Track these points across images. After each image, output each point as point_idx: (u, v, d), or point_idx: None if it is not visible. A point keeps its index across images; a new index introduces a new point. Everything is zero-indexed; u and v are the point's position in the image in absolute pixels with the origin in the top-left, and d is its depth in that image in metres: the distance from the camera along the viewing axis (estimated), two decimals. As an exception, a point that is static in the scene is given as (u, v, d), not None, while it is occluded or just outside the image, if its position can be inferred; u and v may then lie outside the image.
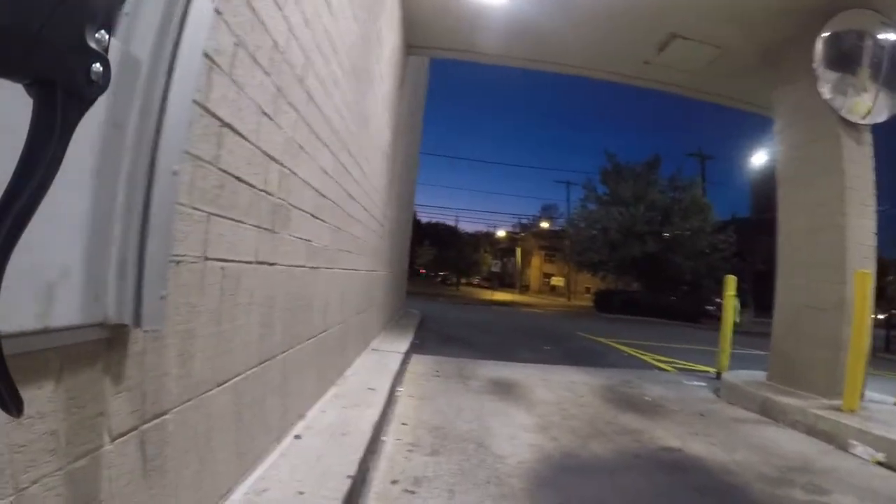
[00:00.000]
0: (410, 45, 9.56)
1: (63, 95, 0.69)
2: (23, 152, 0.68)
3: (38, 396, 1.25)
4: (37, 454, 1.25)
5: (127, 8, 1.49)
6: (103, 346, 1.48)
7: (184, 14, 1.56)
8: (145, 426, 1.71)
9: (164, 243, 1.61)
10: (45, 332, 1.24)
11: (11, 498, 1.18)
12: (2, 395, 0.71)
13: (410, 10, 8.29)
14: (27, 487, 1.22)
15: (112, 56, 1.32)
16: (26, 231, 1.12)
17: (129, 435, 1.62)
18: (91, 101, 0.74)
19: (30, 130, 0.67)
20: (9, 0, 0.60)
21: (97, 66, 0.72)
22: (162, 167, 1.51)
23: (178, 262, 1.78)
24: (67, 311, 1.30)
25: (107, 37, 0.73)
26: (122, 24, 1.47)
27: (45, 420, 1.27)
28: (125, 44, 1.44)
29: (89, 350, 1.43)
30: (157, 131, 1.49)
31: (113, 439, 1.55)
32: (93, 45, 0.71)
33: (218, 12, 1.84)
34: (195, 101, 1.75)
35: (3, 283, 1.09)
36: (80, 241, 1.33)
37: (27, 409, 1.19)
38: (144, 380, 1.69)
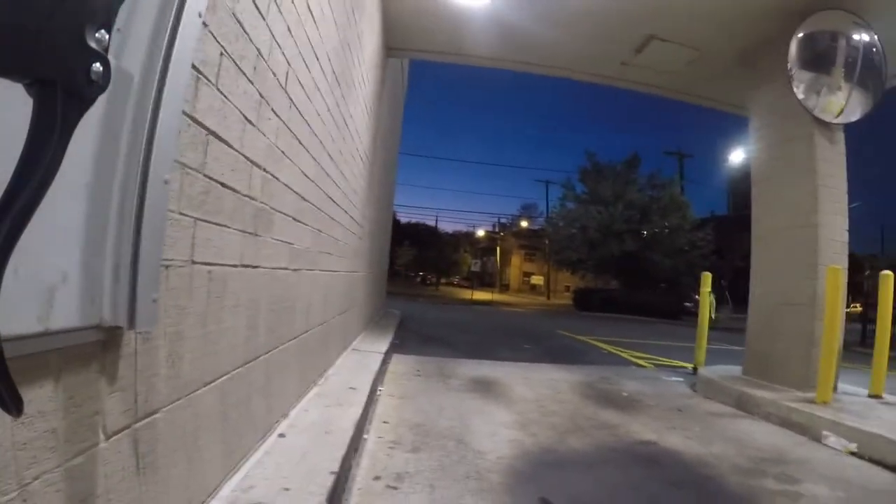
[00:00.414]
0: (390, 48, 9.60)
1: (63, 95, 0.69)
2: (23, 152, 0.68)
3: (39, 396, 1.30)
4: (38, 451, 1.30)
5: (118, 24, 1.56)
6: (99, 347, 1.54)
7: (174, 28, 1.63)
8: (137, 425, 1.77)
9: (156, 248, 1.68)
10: (46, 334, 1.29)
11: (15, 493, 1.23)
12: (2, 395, 0.71)
13: (390, 12, 8.34)
14: (29, 483, 1.27)
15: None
16: (28, 235, 1.18)
17: (122, 433, 1.68)
18: (91, 101, 0.75)
19: (30, 130, 0.68)
20: (9, 0, 0.61)
21: (97, 66, 0.73)
22: (154, 176, 1.58)
23: (167, 267, 1.83)
24: (66, 314, 1.36)
25: (107, 37, 0.74)
26: (113, 39, 1.55)
27: (45, 418, 1.33)
28: (117, 58, 1.51)
29: (86, 351, 1.49)
30: (150, 142, 1.56)
31: (108, 437, 1.60)
32: (93, 45, 0.72)
33: (204, 24, 1.90)
34: (183, 112, 1.82)
35: (7, 287, 1.15)
36: (77, 246, 1.39)
37: (29, 409, 1.26)
38: (136, 380, 1.75)
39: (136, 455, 1.77)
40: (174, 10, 1.64)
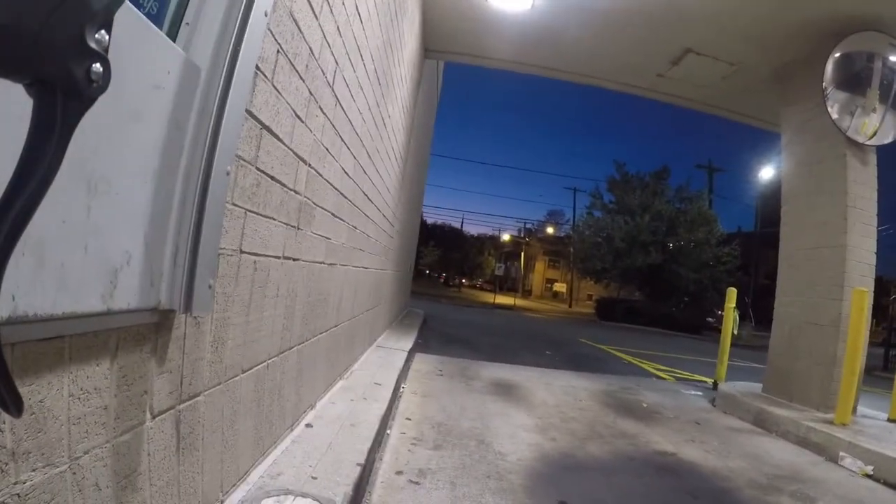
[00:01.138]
0: (428, 49, 9.65)
1: (63, 96, 0.68)
2: (23, 152, 0.67)
3: (96, 373, 1.36)
4: (90, 426, 1.36)
5: (187, 18, 1.63)
6: (153, 329, 1.60)
7: (242, 26, 1.69)
8: (181, 406, 1.83)
9: (215, 237, 1.74)
10: (109, 313, 1.35)
11: (66, 466, 1.28)
12: (2, 395, 0.68)
13: (430, 15, 8.40)
14: (80, 457, 1.33)
15: (174, 62, 1.47)
16: (99, 215, 1.25)
17: (167, 413, 1.74)
18: (91, 101, 0.72)
19: (30, 130, 0.66)
20: (9, 0, 0.60)
21: (97, 66, 0.70)
22: (217, 167, 1.64)
23: (218, 255, 1.90)
24: (128, 295, 1.41)
25: (107, 37, 0.71)
26: (181, 32, 1.61)
27: (100, 395, 1.38)
28: (186, 51, 1.57)
29: (141, 332, 1.55)
30: (215, 134, 1.62)
31: (153, 417, 1.66)
32: (93, 45, 0.69)
33: (267, 23, 1.96)
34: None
35: (76, 266, 1.22)
36: (141, 230, 1.45)
37: (86, 384, 1.32)
38: (183, 363, 1.81)
39: (178, 436, 1.83)
40: (242, 8, 1.70)
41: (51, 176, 0.69)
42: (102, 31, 0.70)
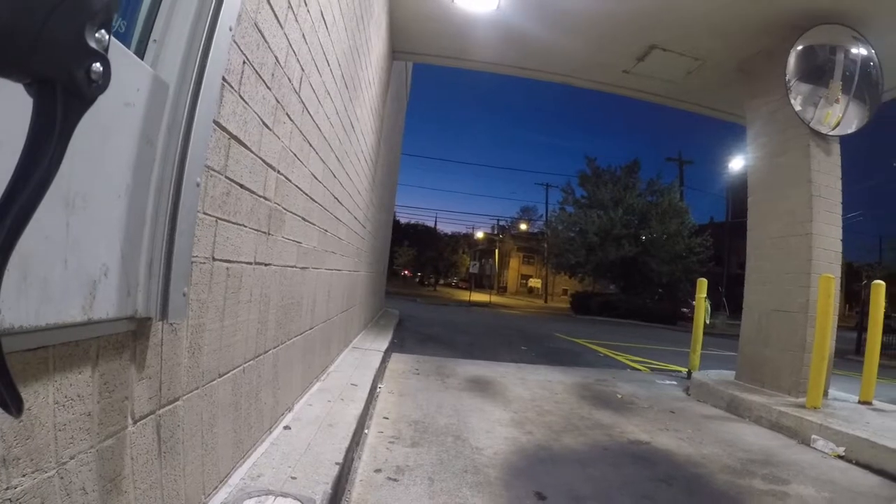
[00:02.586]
0: (396, 51, 9.70)
1: (63, 95, 0.68)
2: (22, 152, 0.67)
3: (79, 380, 1.41)
4: (75, 432, 1.40)
5: (155, 34, 1.68)
6: (131, 336, 1.65)
7: (207, 41, 1.75)
8: (161, 411, 1.88)
9: (188, 246, 1.80)
10: (89, 323, 1.40)
11: (53, 471, 1.32)
12: (2, 395, 0.69)
13: (397, 17, 8.45)
14: (66, 462, 1.37)
15: (143, 79, 1.52)
16: (78, 230, 1.30)
17: (147, 418, 1.79)
18: (91, 101, 0.73)
19: (30, 130, 0.67)
20: (9, 0, 0.61)
21: (97, 66, 0.71)
22: (188, 179, 1.69)
23: (191, 263, 1.94)
24: (106, 305, 1.46)
25: (107, 36, 0.72)
26: (149, 50, 1.67)
27: (83, 402, 1.43)
28: (154, 68, 1.63)
29: (120, 340, 1.59)
30: (185, 147, 1.68)
31: (135, 421, 1.71)
32: (93, 44, 0.70)
33: (232, 36, 2.01)
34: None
35: (56, 279, 1.27)
36: (118, 243, 1.49)
37: (69, 392, 1.37)
38: (161, 369, 1.85)
39: (159, 440, 1.88)
40: (207, 23, 1.76)
41: (51, 176, 0.70)
42: (102, 31, 0.72)
